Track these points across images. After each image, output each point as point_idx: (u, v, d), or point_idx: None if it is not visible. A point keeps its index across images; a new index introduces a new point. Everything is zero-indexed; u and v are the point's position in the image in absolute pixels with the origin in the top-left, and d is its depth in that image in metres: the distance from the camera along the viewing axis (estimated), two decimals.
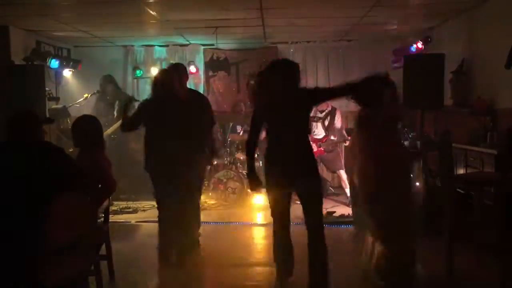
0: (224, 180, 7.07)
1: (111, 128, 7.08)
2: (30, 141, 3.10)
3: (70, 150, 4.49)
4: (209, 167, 7.26)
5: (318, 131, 7.03)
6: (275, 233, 3.72)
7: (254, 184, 3.60)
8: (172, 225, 4.35)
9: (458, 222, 4.32)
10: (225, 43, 8.42)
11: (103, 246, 3.96)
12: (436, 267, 4.20)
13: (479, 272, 4.10)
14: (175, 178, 4.27)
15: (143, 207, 6.90)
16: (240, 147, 7.50)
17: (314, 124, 7.02)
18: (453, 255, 4.04)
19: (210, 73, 8.63)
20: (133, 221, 6.21)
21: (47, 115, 6.49)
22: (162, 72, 4.72)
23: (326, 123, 6.98)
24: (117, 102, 7.29)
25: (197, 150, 4.51)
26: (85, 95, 7.63)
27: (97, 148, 3.89)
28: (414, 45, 7.52)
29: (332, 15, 6.57)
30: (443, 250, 4.10)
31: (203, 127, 4.62)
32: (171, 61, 7.25)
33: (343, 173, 6.81)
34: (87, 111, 7.71)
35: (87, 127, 3.94)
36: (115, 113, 7.23)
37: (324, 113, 7.00)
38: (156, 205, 4.65)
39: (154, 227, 5.77)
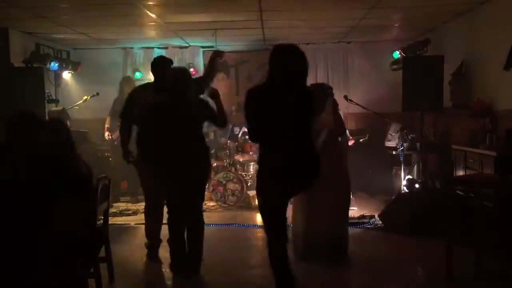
0: (224, 182, 7.07)
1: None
2: (30, 142, 3.10)
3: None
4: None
5: None
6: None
7: None
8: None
9: (457, 224, 4.32)
10: (224, 45, 8.43)
11: (103, 248, 3.95)
12: (436, 269, 4.20)
13: (479, 274, 4.09)
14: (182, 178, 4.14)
15: (142, 209, 6.85)
16: (240, 149, 7.51)
17: None
18: (452, 257, 4.04)
19: None
20: (132, 223, 6.21)
21: (47, 117, 6.49)
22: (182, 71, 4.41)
23: None
24: None
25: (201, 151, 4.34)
26: (85, 97, 7.64)
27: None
28: (413, 47, 7.53)
29: (331, 17, 6.58)
30: (443, 252, 4.10)
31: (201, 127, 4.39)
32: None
33: None
34: (88, 113, 7.78)
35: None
36: None
37: None
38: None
39: None
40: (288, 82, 3.14)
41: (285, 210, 3.30)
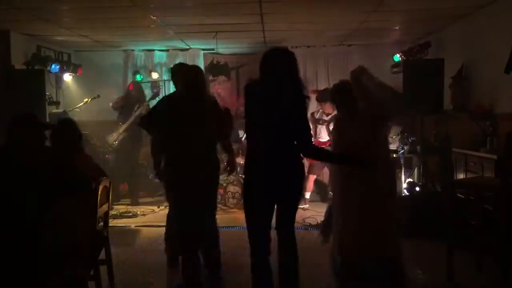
0: (224, 184, 7.06)
1: (119, 130, 7.29)
2: (30, 144, 3.09)
3: None
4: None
5: (323, 135, 7.04)
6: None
7: None
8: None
9: (458, 227, 4.31)
10: (225, 48, 8.44)
11: (103, 251, 3.95)
12: (436, 272, 4.19)
13: (479, 277, 4.09)
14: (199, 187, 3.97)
15: (142, 211, 6.90)
16: (240, 152, 7.50)
17: (319, 127, 7.05)
18: (452, 260, 4.04)
19: (210, 78, 8.63)
20: (132, 226, 6.20)
21: (48, 120, 6.50)
22: (195, 71, 4.21)
23: (331, 127, 6.89)
24: (137, 105, 7.34)
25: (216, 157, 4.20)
26: (85, 100, 7.65)
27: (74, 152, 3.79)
28: (414, 50, 7.54)
29: (332, 20, 6.59)
30: (443, 255, 4.10)
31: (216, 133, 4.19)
32: (171, 66, 7.25)
33: None
34: (89, 115, 7.78)
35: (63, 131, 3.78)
36: (133, 113, 7.28)
37: (330, 117, 6.98)
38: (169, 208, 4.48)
39: (154, 231, 5.79)
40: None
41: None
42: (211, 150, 4.06)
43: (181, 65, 4.67)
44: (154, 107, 4.27)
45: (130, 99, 7.46)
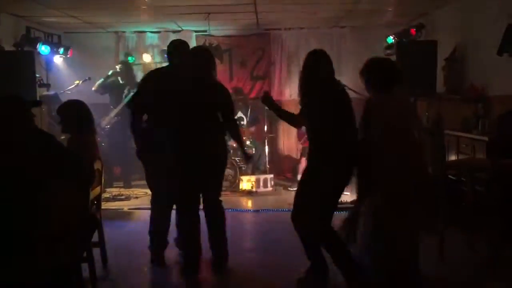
0: None
1: (111, 114, 7.33)
2: (18, 127, 3.05)
3: (62, 138, 4.44)
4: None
5: None
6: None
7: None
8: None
9: (449, 208, 4.35)
10: (217, 30, 8.36)
11: (96, 233, 3.95)
12: (427, 253, 4.23)
13: (471, 257, 4.13)
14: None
15: (135, 194, 6.90)
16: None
17: None
18: (444, 241, 4.07)
19: None
20: (125, 208, 6.21)
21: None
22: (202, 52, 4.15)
23: None
24: (127, 88, 7.28)
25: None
26: (76, 82, 7.57)
27: (83, 133, 3.82)
28: (407, 32, 7.50)
29: (325, 1, 6.53)
30: (434, 236, 4.13)
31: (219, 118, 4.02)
32: (163, 48, 7.17)
33: None
34: (80, 97, 7.68)
35: (72, 112, 3.87)
36: (123, 96, 7.26)
37: None
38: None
39: (147, 213, 5.78)
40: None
41: None
42: (215, 133, 3.92)
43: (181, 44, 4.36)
44: (143, 83, 4.24)
45: (117, 82, 7.44)
